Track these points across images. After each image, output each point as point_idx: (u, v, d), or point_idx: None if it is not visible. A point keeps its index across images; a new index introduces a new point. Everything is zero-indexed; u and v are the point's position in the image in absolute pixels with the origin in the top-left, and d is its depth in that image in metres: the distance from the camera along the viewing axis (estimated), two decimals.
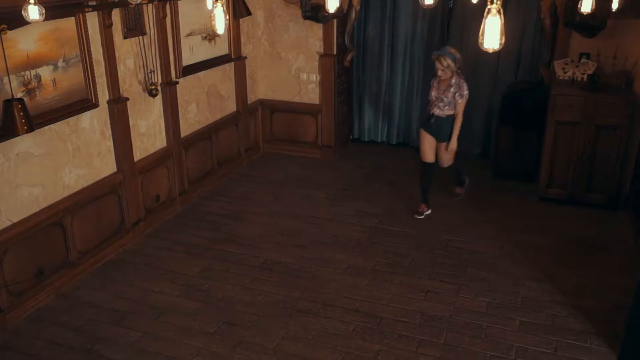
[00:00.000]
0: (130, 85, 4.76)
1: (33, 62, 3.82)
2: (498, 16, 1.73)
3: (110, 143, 4.65)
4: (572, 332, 3.78)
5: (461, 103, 5.00)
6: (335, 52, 6.53)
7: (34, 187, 3.99)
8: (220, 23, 2.62)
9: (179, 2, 5.11)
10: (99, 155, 4.56)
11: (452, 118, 5.08)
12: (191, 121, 5.65)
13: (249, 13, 5.83)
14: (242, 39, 6.33)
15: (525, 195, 5.75)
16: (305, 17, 6.18)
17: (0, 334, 3.77)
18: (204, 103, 5.84)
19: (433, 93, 5.13)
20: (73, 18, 4.07)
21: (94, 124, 4.46)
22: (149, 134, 5.07)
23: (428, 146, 5.27)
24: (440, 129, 5.14)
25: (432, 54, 5.11)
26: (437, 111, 5.09)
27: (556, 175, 5.52)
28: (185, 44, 5.34)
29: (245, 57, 6.40)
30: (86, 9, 4.10)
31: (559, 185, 5.53)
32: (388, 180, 6.14)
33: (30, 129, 3.55)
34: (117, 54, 4.52)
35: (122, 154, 4.71)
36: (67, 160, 4.26)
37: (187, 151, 5.60)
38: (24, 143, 3.86)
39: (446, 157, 5.26)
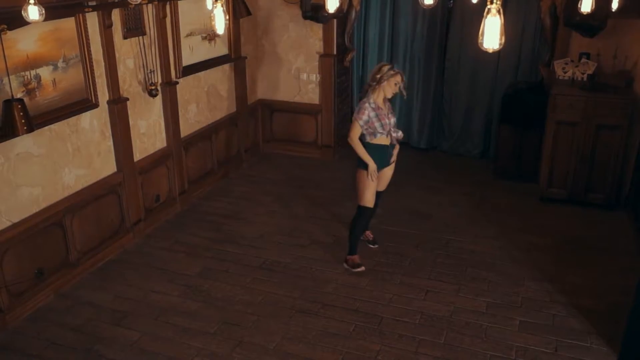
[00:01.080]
0: (130, 85, 4.75)
1: (33, 62, 3.82)
2: (498, 16, 1.73)
3: (110, 143, 4.65)
4: (572, 332, 3.78)
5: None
6: (335, 52, 6.53)
7: (34, 187, 3.99)
8: (220, 23, 2.62)
9: (179, 2, 5.11)
10: (99, 155, 4.56)
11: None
12: (191, 121, 5.65)
13: (249, 13, 5.83)
14: (242, 39, 6.33)
15: (525, 195, 5.75)
16: (305, 17, 6.18)
17: (0, 334, 3.77)
18: (204, 103, 5.84)
19: (389, 120, 4.22)
20: (73, 18, 4.07)
21: (94, 124, 4.46)
22: (149, 134, 5.07)
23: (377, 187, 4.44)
24: (391, 155, 4.42)
25: (393, 68, 4.16)
26: (393, 136, 4.28)
27: (556, 175, 5.52)
28: (185, 44, 5.34)
29: (245, 57, 6.40)
30: (86, 9, 4.10)
31: (559, 185, 5.53)
32: None
33: (30, 129, 3.55)
34: (117, 54, 4.52)
35: (122, 154, 4.71)
36: (67, 161, 4.26)
37: (187, 151, 5.59)
38: (24, 143, 3.86)
39: (388, 179, 4.54)
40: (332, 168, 6.61)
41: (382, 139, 4.22)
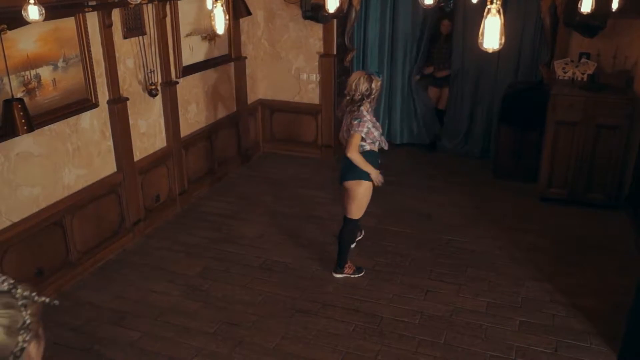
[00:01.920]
0: (130, 85, 4.75)
1: (33, 62, 3.82)
2: (498, 16, 1.73)
3: (110, 143, 4.65)
4: (572, 332, 3.78)
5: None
6: (335, 52, 6.53)
7: (34, 187, 3.99)
8: (220, 23, 2.61)
9: (179, 2, 5.11)
10: (99, 155, 4.56)
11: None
12: (191, 121, 5.65)
13: (249, 13, 5.83)
14: (242, 39, 6.33)
15: (525, 195, 5.74)
16: (305, 17, 6.18)
17: None
18: (203, 103, 5.84)
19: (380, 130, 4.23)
20: (73, 18, 4.07)
21: (94, 124, 4.46)
22: (149, 133, 5.07)
23: None
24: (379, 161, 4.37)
25: (375, 73, 4.17)
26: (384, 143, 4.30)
27: (556, 175, 5.52)
28: (185, 44, 5.34)
29: (245, 57, 6.40)
30: (86, 9, 4.10)
31: (559, 185, 5.53)
32: (388, 180, 6.10)
33: (30, 129, 3.56)
34: (117, 54, 4.52)
35: (122, 154, 4.71)
36: (67, 160, 4.26)
37: (187, 151, 5.59)
38: (24, 143, 3.86)
39: None
40: (332, 168, 6.59)
41: (374, 147, 4.19)
